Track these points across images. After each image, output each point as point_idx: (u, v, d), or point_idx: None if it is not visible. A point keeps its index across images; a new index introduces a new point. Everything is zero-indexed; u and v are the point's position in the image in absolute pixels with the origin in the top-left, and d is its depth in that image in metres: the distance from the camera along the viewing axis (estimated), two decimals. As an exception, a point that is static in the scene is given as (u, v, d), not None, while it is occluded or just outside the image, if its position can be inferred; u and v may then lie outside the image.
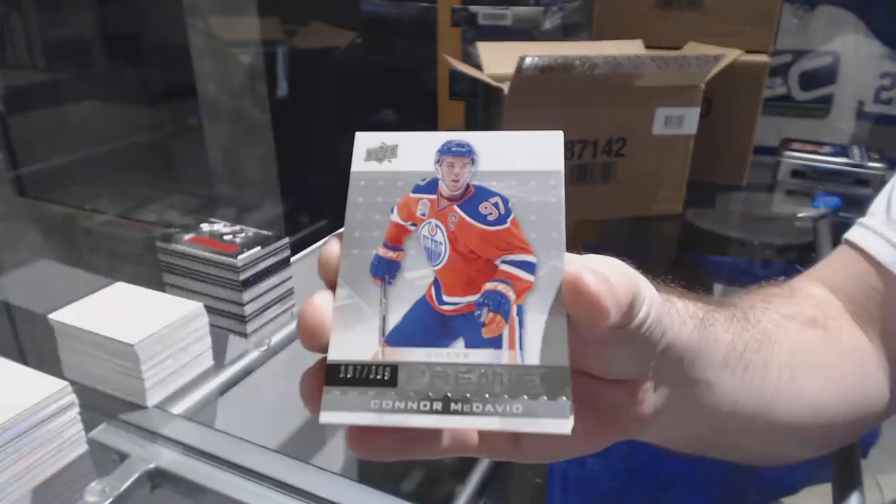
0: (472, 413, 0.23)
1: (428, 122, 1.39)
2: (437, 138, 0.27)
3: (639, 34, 1.02)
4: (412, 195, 0.26)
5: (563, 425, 0.22)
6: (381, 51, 1.57)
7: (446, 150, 0.26)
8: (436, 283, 0.25)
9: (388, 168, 0.26)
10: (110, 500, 0.50)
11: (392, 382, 0.23)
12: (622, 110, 0.89)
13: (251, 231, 0.73)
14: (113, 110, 1.44)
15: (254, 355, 0.70)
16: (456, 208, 0.26)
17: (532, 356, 0.23)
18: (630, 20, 1.07)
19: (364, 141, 0.27)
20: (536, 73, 0.81)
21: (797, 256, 0.95)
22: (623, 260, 0.26)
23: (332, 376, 0.24)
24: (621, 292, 0.23)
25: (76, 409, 0.54)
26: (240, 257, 0.68)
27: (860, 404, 0.44)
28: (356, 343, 0.24)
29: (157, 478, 0.54)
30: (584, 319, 0.23)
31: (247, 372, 0.68)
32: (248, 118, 1.44)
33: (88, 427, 0.56)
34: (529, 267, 0.24)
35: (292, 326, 0.75)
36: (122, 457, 0.54)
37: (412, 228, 0.26)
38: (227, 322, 0.71)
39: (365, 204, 0.26)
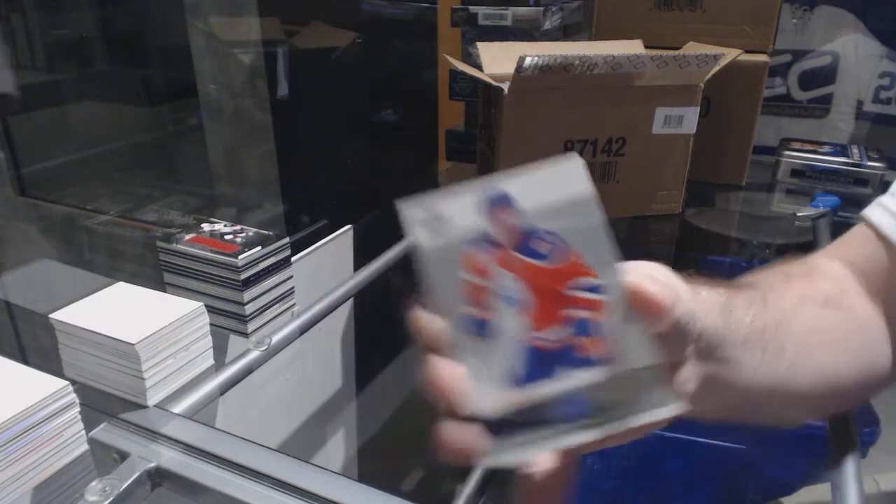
0: (610, 421, 0.27)
1: (428, 121, 1.39)
2: (475, 193, 0.28)
3: (638, 34, 1.03)
4: (474, 253, 0.28)
5: (679, 407, 0.28)
6: (382, 51, 1.57)
7: (490, 208, 0.28)
8: (525, 325, 0.28)
9: (445, 236, 0.28)
10: (111, 499, 0.50)
11: (536, 418, 0.28)
12: (622, 110, 0.89)
13: (252, 231, 0.73)
14: (113, 110, 1.44)
15: (254, 355, 0.70)
16: (516, 254, 0.28)
17: (631, 361, 0.28)
18: (629, 20, 1.07)
19: (412, 214, 0.28)
20: (536, 73, 0.81)
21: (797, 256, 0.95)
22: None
23: (487, 426, 0.27)
24: (673, 293, 0.28)
25: (77, 409, 0.54)
26: (240, 257, 0.68)
27: (870, 374, 0.47)
28: (488, 395, 0.28)
29: (158, 477, 0.54)
30: (649, 321, 0.28)
31: (247, 371, 0.68)
32: (248, 118, 1.44)
33: (89, 426, 0.56)
34: (597, 288, 0.28)
35: (293, 326, 0.75)
36: (123, 456, 0.55)
37: (487, 284, 0.28)
38: (228, 321, 0.71)
39: (440, 275, 0.28)
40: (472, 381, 0.27)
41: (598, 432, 0.27)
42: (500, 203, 0.28)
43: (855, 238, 0.51)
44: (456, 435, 0.28)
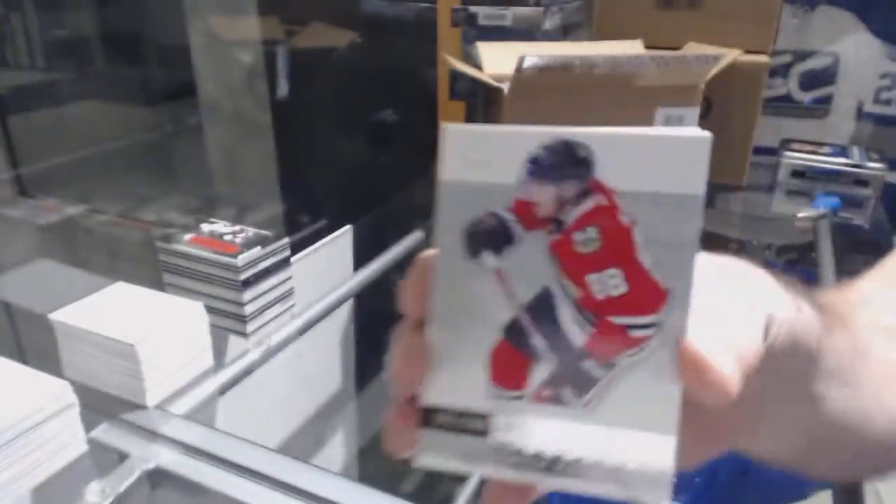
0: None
1: (428, 121, 1.38)
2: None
3: (639, 34, 1.02)
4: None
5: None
6: (381, 51, 1.57)
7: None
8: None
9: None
10: (110, 499, 0.50)
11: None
12: (622, 110, 0.89)
13: (251, 231, 0.73)
14: (113, 110, 1.44)
15: (254, 355, 0.70)
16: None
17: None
18: (630, 20, 1.07)
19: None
20: (536, 73, 0.81)
21: (797, 257, 0.95)
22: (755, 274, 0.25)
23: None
24: (749, 361, 0.21)
25: (76, 409, 0.54)
26: (240, 257, 0.68)
27: None
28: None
29: (157, 477, 0.54)
30: (706, 399, 0.20)
31: (247, 372, 0.68)
32: (247, 118, 1.44)
33: (88, 427, 0.56)
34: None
35: (292, 326, 0.75)
36: (122, 456, 0.54)
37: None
38: (228, 322, 0.71)
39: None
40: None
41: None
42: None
43: None
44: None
